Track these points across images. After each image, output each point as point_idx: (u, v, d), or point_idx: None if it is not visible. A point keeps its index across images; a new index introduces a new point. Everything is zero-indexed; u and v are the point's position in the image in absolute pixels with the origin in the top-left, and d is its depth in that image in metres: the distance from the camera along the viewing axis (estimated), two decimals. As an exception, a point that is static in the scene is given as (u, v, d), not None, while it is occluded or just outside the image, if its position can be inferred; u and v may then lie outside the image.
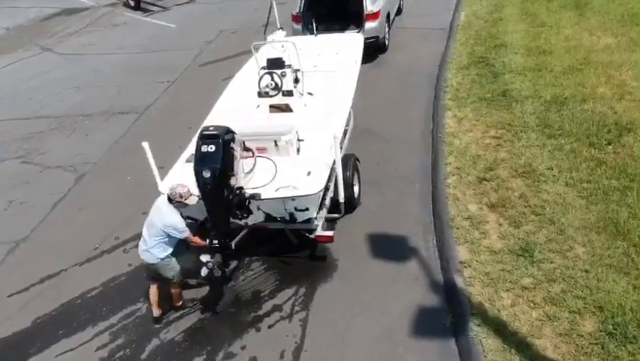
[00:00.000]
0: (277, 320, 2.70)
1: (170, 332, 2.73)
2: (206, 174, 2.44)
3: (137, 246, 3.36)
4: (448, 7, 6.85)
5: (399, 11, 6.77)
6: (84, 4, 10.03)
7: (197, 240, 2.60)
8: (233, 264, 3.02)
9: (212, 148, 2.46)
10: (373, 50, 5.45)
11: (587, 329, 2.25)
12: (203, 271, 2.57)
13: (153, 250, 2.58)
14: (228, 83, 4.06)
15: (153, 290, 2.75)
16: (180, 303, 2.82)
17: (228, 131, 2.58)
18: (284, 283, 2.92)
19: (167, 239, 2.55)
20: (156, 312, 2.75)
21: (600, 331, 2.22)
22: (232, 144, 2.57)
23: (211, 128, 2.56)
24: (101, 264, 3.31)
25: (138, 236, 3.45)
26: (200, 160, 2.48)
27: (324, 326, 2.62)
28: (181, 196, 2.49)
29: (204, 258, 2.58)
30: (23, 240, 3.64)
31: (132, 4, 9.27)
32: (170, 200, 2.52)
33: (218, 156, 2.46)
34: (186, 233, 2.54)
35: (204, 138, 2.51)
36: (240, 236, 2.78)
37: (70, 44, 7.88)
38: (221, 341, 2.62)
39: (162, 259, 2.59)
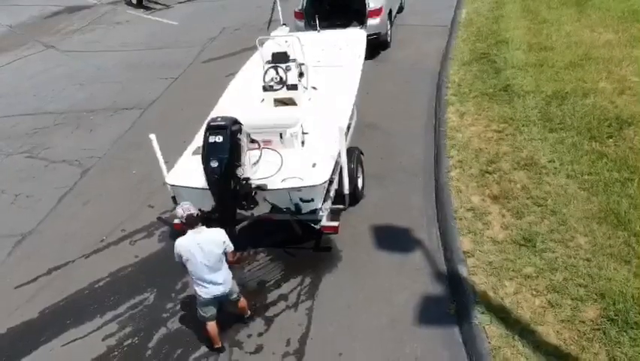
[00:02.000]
0: (283, 309, 2.73)
1: (177, 321, 2.77)
2: (214, 164, 2.47)
3: (143, 238, 3.45)
4: (449, 4, 6.89)
5: (400, 9, 6.80)
6: (86, 2, 10.06)
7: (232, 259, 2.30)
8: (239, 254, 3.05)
9: (219, 139, 2.49)
10: (375, 46, 5.48)
11: (589, 315, 2.28)
12: None
13: (227, 277, 2.30)
14: (231, 79, 4.10)
15: (212, 327, 2.41)
16: (250, 312, 2.59)
17: (235, 122, 2.61)
18: (289, 274, 2.96)
19: (224, 259, 2.26)
20: (219, 345, 2.48)
21: (602, 317, 2.25)
22: (239, 135, 2.60)
23: (218, 119, 2.60)
24: (107, 256, 3.34)
25: (145, 228, 3.55)
26: (208, 150, 2.51)
27: (330, 315, 2.66)
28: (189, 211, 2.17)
29: None
30: (30, 233, 3.67)
31: (134, 2, 9.31)
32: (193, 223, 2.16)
33: (225, 147, 2.49)
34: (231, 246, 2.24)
35: (212, 129, 2.54)
36: (244, 223, 2.81)
37: (73, 42, 7.90)
38: (228, 330, 2.65)
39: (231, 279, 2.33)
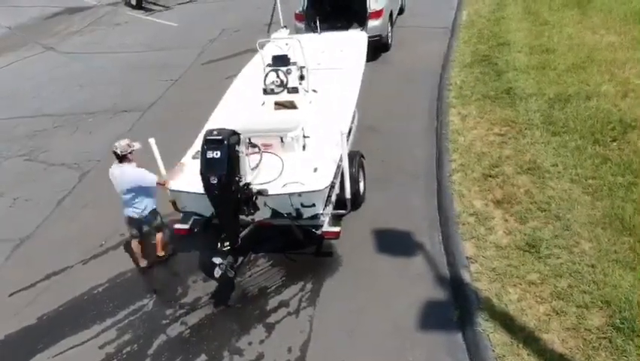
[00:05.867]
0: (284, 316, 2.71)
1: (177, 327, 2.73)
2: (214, 180, 2.43)
3: (143, 243, 3.41)
4: (450, 6, 6.88)
5: (401, 10, 6.80)
6: (86, 3, 10.06)
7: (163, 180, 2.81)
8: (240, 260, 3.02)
9: (217, 154, 2.43)
10: (376, 48, 5.46)
11: (594, 323, 2.25)
12: (217, 272, 2.58)
13: (137, 206, 2.91)
14: (232, 81, 4.07)
15: (135, 244, 3.07)
16: (163, 253, 3.11)
17: (233, 133, 2.54)
18: (290, 279, 2.93)
19: (143, 194, 2.87)
20: (143, 263, 3.10)
21: (608, 325, 2.22)
22: (237, 147, 2.55)
23: (215, 133, 2.51)
24: (106, 260, 3.31)
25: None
26: (207, 166, 2.46)
27: (331, 321, 2.63)
28: (129, 145, 2.76)
29: (217, 260, 2.58)
30: (28, 237, 3.64)
31: (134, 3, 9.31)
32: (122, 158, 2.77)
33: (223, 162, 2.43)
34: (155, 178, 2.78)
35: (209, 143, 2.47)
36: (246, 230, 2.78)
37: (73, 43, 7.89)
38: (229, 337, 2.63)
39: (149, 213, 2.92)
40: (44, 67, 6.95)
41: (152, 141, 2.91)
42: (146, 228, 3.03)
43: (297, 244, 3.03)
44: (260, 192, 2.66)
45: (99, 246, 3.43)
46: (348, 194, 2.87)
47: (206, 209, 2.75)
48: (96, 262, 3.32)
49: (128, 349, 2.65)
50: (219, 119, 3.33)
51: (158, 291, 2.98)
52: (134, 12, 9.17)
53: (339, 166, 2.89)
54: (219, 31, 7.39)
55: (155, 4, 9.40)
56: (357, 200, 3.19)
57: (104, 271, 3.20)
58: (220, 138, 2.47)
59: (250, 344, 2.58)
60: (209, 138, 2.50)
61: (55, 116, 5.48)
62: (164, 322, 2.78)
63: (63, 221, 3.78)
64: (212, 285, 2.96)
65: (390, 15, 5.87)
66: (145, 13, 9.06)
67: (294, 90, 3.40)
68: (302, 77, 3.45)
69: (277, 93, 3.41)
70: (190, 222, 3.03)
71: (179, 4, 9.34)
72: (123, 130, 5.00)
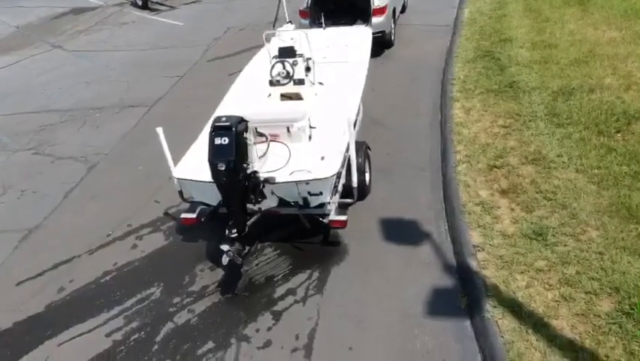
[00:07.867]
0: (291, 304, 2.71)
1: (184, 315, 2.74)
2: (221, 167, 2.43)
3: (150, 233, 3.44)
4: (452, 4, 6.95)
5: (403, 8, 6.87)
6: (92, 3, 10.21)
7: None
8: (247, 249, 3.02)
9: (225, 140, 2.42)
10: (380, 45, 5.52)
11: (603, 309, 2.25)
12: (224, 260, 2.58)
13: None
14: (237, 76, 4.11)
15: None
16: None
17: (241, 120, 2.55)
18: (297, 268, 2.93)
19: None
20: None
21: (617, 311, 2.22)
22: (245, 134, 2.55)
23: (223, 119, 2.50)
24: (113, 250, 3.32)
25: (151, 223, 3.55)
26: (215, 153, 2.46)
27: (339, 310, 2.63)
28: None
29: (225, 247, 2.59)
30: (36, 228, 3.67)
31: (140, 3, 9.44)
32: None
33: (232, 148, 2.43)
34: None
35: (217, 130, 2.47)
36: (253, 219, 2.79)
37: (80, 42, 7.99)
38: (236, 325, 2.63)
39: None
40: (52, 64, 7.02)
41: (159, 130, 2.94)
42: None
43: (303, 233, 3.03)
44: (267, 180, 2.67)
45: (106, 236, 3.45)
46: (355, 182, 2.88)
47: (213, 198, 2.76)
48: (103, 251, 3.33)
49: (136, 336, 2.65)
50: (226, 112, 3.36)
51: (165, 279, 2.98)
52: (140, 12, 9.29)
53: (345, 156, 2.91)
54: (224, 30, 7.47)
55: (160, 4, 9.53)
56: (363, 191, 3.19)
57: (112, 260, 3.21)
58: (228, 124, 2.48)
59: (257, 331, 2.59)
60: (217, 124, 2.50)
61: (62, 111, 5.54)
62: (171, 310, 2.78)
63: (70, 212, 3.80)
64: (219, 273, 2.97)
65: (394, 12, 5.92)
66: (151, 13, 9.18)
67: (300, 82, 3.43)
68: (308, 69, 3.48)
69: (283, 85, 3.45)
70: (197, 212, 3.05)
71: (185, 4, 9.47)
72: (130, 124, 5.05)
